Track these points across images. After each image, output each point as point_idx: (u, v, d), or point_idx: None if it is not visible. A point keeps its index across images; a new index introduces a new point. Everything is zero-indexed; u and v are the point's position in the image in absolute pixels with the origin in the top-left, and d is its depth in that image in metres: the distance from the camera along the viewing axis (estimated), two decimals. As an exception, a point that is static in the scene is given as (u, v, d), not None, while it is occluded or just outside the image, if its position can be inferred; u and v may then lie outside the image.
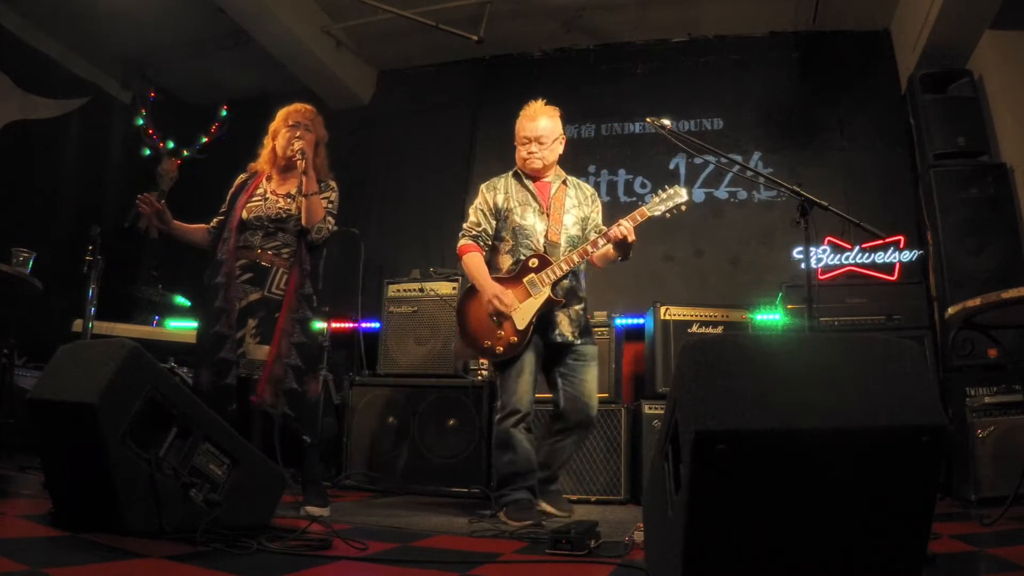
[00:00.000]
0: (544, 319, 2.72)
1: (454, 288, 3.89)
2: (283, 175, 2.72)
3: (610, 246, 2.72)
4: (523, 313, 2.68)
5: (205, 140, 5.68)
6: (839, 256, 4.05)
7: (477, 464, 3.50)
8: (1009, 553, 1.90)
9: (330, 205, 2.68)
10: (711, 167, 4.83)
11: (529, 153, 2.84)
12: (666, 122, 2.55)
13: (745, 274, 4.58)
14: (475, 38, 4.49)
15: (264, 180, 2.71)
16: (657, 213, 2.72)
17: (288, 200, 2.64)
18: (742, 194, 4.81)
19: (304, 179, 2.56)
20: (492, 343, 2.70)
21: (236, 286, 2.54)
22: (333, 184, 2.75)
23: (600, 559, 1.82)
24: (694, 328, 3.65)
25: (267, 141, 2.75)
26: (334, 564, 1.68)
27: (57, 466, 1.95)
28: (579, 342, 2.80)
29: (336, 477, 3.66)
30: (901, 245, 3.98)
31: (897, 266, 3.96)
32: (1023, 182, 3.78)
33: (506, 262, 2.81)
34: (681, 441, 1.25)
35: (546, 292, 2.69)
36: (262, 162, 2.76)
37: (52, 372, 1.96)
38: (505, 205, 2.85)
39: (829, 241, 4.06)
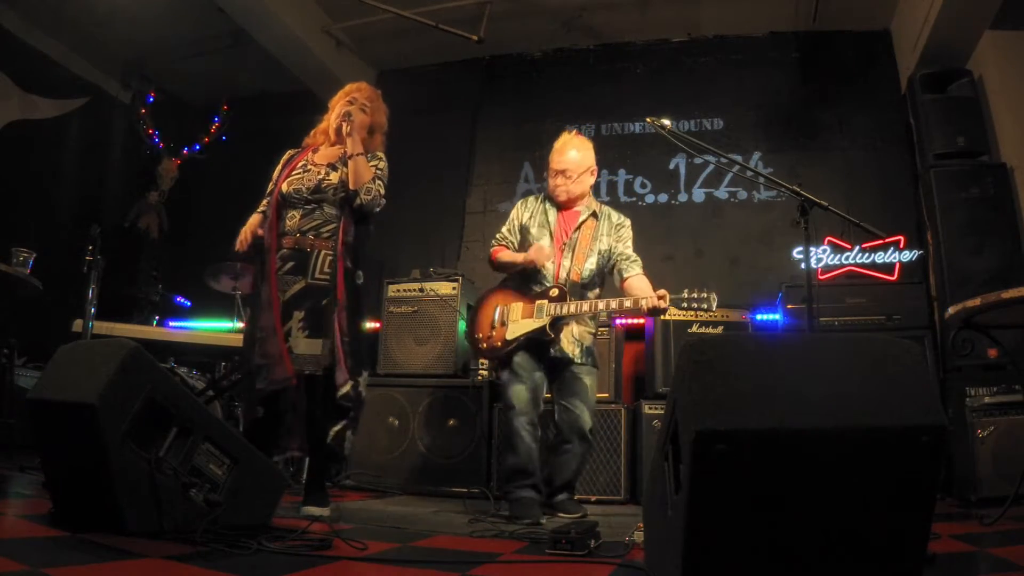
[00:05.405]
0: (535, 343, 2.78)
1: (454, 288, 3.89)
2: (330, 148, 2.60)
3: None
4: (517, 328, 2.79)
5: (205, 140, 5.69)
6: (839, 256, 4.04)
7: (477, 464, 3.50)
8: (1009, 553, 1.89)
9: (379, 172, 2.52)
10: (711, 167, 4.83)
11: (555, 185, 2.92)
12: (666, 122, 2.54)
13: (745, 274, 4.59)
14: (475, 38, 4.48)
15: (310, 152, 2.60)
16: (681, 308, 2.74)
17: (329, 169, 2.50)
18: (742, 194, 4.81)
19: (349, 142, 2.44)
20: (482, 337, 2.86)
21: (277, 280, 2.42)
22: (382, 156, 2.60)
23: (600, 559, 1.82)
24: (694, 328, 3.65)
25: (325, 117, 2.65)
26: (334, 564, 1.67)
27: (57, 466, 1.94)
28: (578, 360, 2.84)
29: (336, 477, 3.65)
30: (901, 245, 3.97)
31: (897, 266, 3.96)
32: (1023, 182, 3.79)
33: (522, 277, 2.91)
34: (681, 441, 1.24)
35: (544, 322, 2.74)
36: (314, 135, 2.66)
37: (52, 372, 1.96)
38: (528, 225, 2.96)
39: (829, 241, 4.06)
